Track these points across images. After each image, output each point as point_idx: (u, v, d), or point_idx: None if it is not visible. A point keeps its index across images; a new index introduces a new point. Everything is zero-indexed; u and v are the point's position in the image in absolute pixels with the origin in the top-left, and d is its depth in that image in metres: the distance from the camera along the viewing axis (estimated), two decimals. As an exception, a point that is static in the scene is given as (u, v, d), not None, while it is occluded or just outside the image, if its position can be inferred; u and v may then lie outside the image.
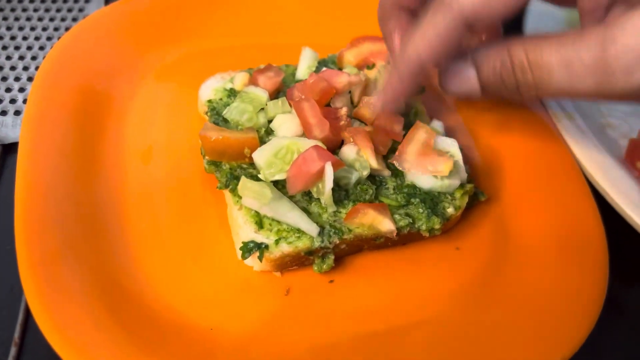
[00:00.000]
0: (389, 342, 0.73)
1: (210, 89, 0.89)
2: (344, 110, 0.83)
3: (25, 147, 0.76)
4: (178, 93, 0.93)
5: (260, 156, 0.76)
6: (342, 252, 0.78)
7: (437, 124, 0.89)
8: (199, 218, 0.80)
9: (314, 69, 0.91)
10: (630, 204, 0.80)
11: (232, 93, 0.87)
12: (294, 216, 0.74)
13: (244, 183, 0.71)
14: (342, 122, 0.82)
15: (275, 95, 0.88)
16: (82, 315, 0.66)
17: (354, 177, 0.78)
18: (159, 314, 0.71)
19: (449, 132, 0.91)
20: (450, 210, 0.81)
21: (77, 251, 0.71)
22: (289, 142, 0.77)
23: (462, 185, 0.83)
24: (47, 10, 1.10)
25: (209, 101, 0.87)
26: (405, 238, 0.80)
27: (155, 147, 0.86)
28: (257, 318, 0.73)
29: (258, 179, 0.75)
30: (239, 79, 0.88)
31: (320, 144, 0.76)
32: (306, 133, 0.79)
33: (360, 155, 0.79)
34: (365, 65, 0.92)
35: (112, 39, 0.94)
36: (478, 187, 0.88)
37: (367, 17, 1.03)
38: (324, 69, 0.88)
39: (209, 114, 0.85)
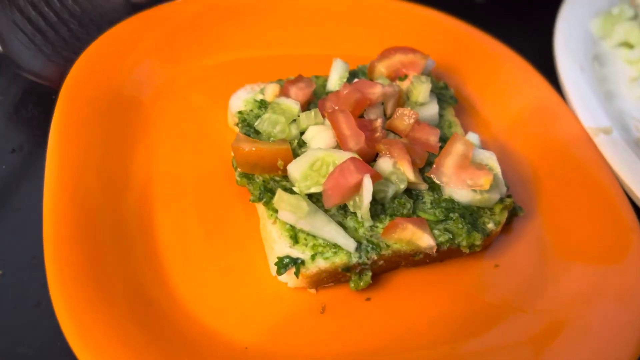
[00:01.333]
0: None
1: (241, 99, 0.86)
2: (378, 122, 0.80)
3: (53, 157, 0.74)
4: (207, 103, 0.91)
5: (296, 168, 0.73)
6: (379, 268, 0.75)
7: (473, 137, 0.86)
8: (231, 232, 0.78)
9: (345, 79, 0.89)
10: None
11: (263, 104, 0.85)
12: (330, 230, 0.71)
13: (280, 195, 0.69)
14: (378, 134, 0.79)
15: (306, 106, 0.86)
16: (112, 331, 0.63)
17: (390, 190, 0.75)
18: (190, 331, 0.68)
19: (483, 145, 0.89)
20: (490, 225, 0.78)
21: (108, 265, 0.68)
22: (324, 154, 0.74)
23: (501, 200, 0.80)
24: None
25: (240, 112, 0.84)
26: (444, 255, 0.77)
27: (185, 158, 0.84)
28: (293, 336, 0.70)
29: (292, 192, 0.73)
30: (270, 90, 0.86)
31: (356, 156, 0.74)
32: (341, 145, 0.77)
33: (397, 168, 0.76)
34: (397, 76, 0.90)
35: (142, 47, 0.92)
36: (516, 202, 0.85)
37: (397, 28, 1.03)
38: (356, 79, 0.86)
39: (239, 125, 0.83)
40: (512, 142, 0.95)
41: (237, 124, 0.83)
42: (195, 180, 0.82)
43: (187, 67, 0.94)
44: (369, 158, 0.78)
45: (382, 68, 0.91)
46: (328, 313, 0.73)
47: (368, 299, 0.75)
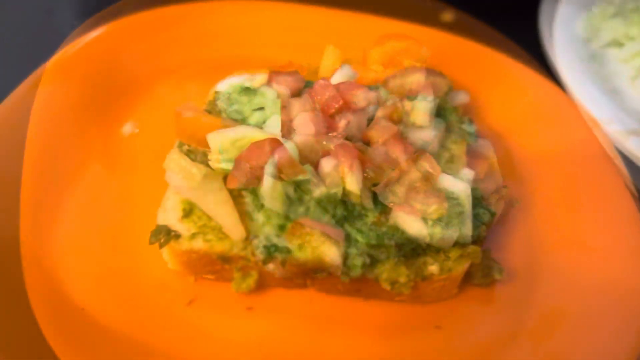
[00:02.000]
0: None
1: (229, 84, 0.81)
2: (342, 123, 0.69)
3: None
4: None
5: (214, 138, 0.65)
6: (273, 278, 0.62)
7: (468, 173, 0.70)
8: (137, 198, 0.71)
9: (337, 66, 0.80)
10: None
11: (245, 91, 0.78)
12: (219, 210, 0.60)
13: (172, 155, 0.61)
14: (333, 134, 0.68)
15: (297, 94, 0.77)
16: None
17: (317, 190, 0.62)
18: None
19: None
20: (433, 268, 0.60)
21: None
22: (254, 133, 0.65)
23: (462, 245, 0.62)
24: None
25: (216, 92, 0.79)
26: (364, 287, 0.61)
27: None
28: (147, 316, 0.60)
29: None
30: (259, 78, 0.79)
31: (288, 143, 0.63)
32: (284, 133, 0.67)
33: (337, 171, 0.64)
34: (391, 64, 0.82)
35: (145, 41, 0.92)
36: (498, 262, 0.66)
37: (392, 15, 0.95)
38: (347, 69, 0.77)
39: (208, 102, 0.77)
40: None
41: (208, 101, 0.78)
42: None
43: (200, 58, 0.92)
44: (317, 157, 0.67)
45: (376, 55, 0.82)
46: (196, 307, 0.61)
47: (249, 308, 0.61)
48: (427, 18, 0.99)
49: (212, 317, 0.61)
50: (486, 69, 0.93)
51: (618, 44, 1.08)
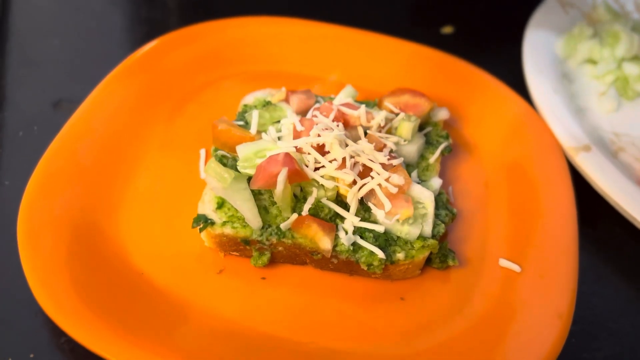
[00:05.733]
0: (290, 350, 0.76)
1: (254, 97, 1.01)
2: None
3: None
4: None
5: (242, 150, 0.86)
6: (282, 256, 0.83)
7: (437, 182, 0.90)
8: (184, 192, 0.92)
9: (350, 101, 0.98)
10: None
11: (267, 105, 0.98)
12: (243, 205, 0.81)
13: (210, 163, 0.82)
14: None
15: (308, 109, 0.96)
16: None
17: (315, 192, 0.83)
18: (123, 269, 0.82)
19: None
20: (399, 255, 0.81)
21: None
22: (272, 145, 0.85)
23: (424, 238, 0.82)
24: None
25: (245, 105, 0.99)
26: (349, 267, 0.82)
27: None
28: (188, 282, 0.82)
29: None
30: (277, 94, 0.99)
31: (296, 155, 0.83)
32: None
33: (329, 178, 0.84)
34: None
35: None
36: (453, 251, 0.86)
37: (412, 70, 1.12)
38: (349, 89, 0.98)
39: (238, 112, 0.97)
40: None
41: (238, 112, 0.98)
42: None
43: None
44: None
45: (388, 104, 0.98)
46: (225, 275, 0.83)
47: (263, 278, 0.83)
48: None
49: (236, 283, 0.82)
50: (467, 85, 1.11)
51: (592, 62, 1.23)
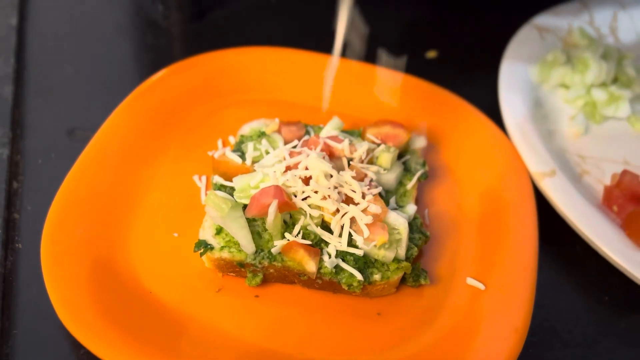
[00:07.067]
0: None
1: (250, 127, 1.12)
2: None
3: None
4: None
5: (239, 181, 0.96)
6: (273, 276, 0.94)
7: (411, 208, 1.01)
8: (190, 219, 1.02)
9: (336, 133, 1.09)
10: (612, 247, 1.00)
11: (261, 134, 1.09)
12: (239, 233, 0.92)
13: (210, 194, 0.93)
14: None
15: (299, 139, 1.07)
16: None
17: (302, 219, 0.94)
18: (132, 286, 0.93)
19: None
20: (376, 277, 0.92)
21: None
22: (264, 178, 0.96)
23: (398, 261, 0.93)
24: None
25: (242, 136, 1.10)
26: (332, 286, 0.93)
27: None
28: (188, 299, 0.93)
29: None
30: (271, 125, 1.09)
31: (285, 186, 0.94)
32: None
33: (315, 207, 0.94)
34: (380, 143, 1.07)
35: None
36: (425, 271, 0.96)
37: (399, 101, 1.21)
38: (336, 120, 1.09)
39: (235, 142, 1.08)
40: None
41: (235, 142, 1.09)
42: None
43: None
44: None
45: (370, 135, 1.09)
46: (223, 293, 0.94)
47: (257, 296, 0.94)
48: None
49: (232, 300, 0.93)
50: (445, 112, 1.20)
51: (565, 86, 1.33)
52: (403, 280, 0.96)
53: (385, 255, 0.93)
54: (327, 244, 0.94)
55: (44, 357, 0.88)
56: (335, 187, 0.95)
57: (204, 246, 0.93)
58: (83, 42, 1.38)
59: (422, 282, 0.96)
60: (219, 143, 1.14)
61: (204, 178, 1.08)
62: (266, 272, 0.93)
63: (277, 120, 1.10)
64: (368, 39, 1.36)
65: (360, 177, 1.00)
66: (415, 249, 0.96)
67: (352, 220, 0.94)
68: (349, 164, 1.02)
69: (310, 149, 1.01)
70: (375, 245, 0.92)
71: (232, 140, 1.14)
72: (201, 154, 1.11)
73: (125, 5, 1.49)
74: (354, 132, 1.12)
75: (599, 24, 1.48)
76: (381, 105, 1.21)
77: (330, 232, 0.94)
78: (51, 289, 0.88)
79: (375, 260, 0.93)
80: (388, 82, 1.23)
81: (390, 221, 0.95)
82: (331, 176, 0.96)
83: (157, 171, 1.09)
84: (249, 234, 0.93)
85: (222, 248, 0.93)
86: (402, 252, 0.93)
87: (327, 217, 0.94)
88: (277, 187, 0.92)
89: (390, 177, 1.03)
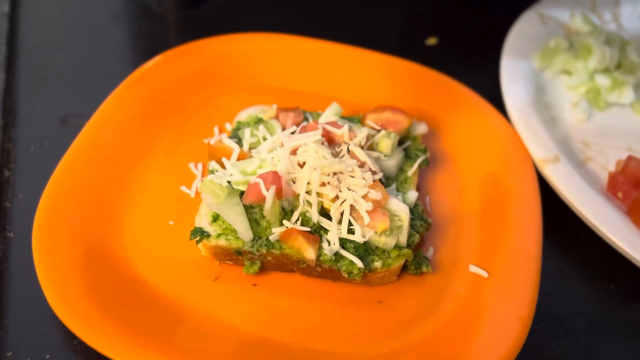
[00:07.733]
0: (278, 349, 0.85)
1: (247, 113, 1.09)
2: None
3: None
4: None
5: (235, 167, 0.94)
6: (271, 264, 0.92)
7: (413, 194, 0.98)
8: (184, 205, 1.00)
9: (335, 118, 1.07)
10: (618, 234, 0.99)
11: (258, 121, 1.06)
12: (236, 220, 0.90)
13: (205, 181, 0.90)
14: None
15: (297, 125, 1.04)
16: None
17: (301, 206, 0.91)
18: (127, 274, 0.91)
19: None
20: (377, 264, 0.90)
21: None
22: (262, 164, 0.94)
23: (399, 248, 0.91)
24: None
25: (239, 122, 1.07)
26: (332, 274, 0.91)
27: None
28: (186, 287, 0.90)
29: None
30: (268, 111, 1.07)
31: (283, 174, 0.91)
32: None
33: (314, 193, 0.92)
34: (380, 129, 1.05)
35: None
36: (427, 258, 0.94)
37: (395, 84, 1.19)
38: (335, 106, 1.06)
39: (232, 129, 1.06)
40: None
41: (232, 129, 1.07)
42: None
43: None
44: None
45: (370, 121, 1.06)
46: (220, 282, 0.92)
47: (254, 285, 0.92)
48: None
49: (230, 289, 0.90)
50: (446, 98, 1.18)
51: (567, 72, 1.31)
52: (404, 268, 0.94)
53: (386, 242, 0.90)
54: (326, 231, 0.91)
55: (36, 347, 0.86)
56: (335, 174, 0.93)
57: (200, 234, 0.91)
58: (76, 29, 1.36)
59: (424, 269, 0.93)
60: (215, 130, 1.11)
61: (200, 165, 1.06)
62: (264, 260, 0.91)
63: (274, 107, 1.07)
64: (369, 25, 1.34)
65: (360, 164, 0.97)
66: (417, 236, 0.93)
67: (352, 207, 0.91)
68: (348, 150, 0.99)
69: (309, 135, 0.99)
70: (375, 232, 0.90)
71: (229, 127, 1.12)
72: (197, 141, 1.09)
73: (119, -8, 1.46)
74: (354, 118, 1.10)
75: (601, 10, 1.46)
76: (381, 92, 1.18)
77: (330, 219, 0.92)
78: (43, 279, 0.86)
79: (376, 247, 0.91)
80: (389, 68, 1.21)
81: (391, 207, 0.92)
82: (330, 162, 0.93)
83: (152, 159, 1.06)
84: (247, 221, 0.90)
85: (218, 236, 0.91)
86: (403, 239, 0.91)
87: (327, 204, 0.91)
88: (274, 173, 0.90)
89: (391, 164, 1.01)
